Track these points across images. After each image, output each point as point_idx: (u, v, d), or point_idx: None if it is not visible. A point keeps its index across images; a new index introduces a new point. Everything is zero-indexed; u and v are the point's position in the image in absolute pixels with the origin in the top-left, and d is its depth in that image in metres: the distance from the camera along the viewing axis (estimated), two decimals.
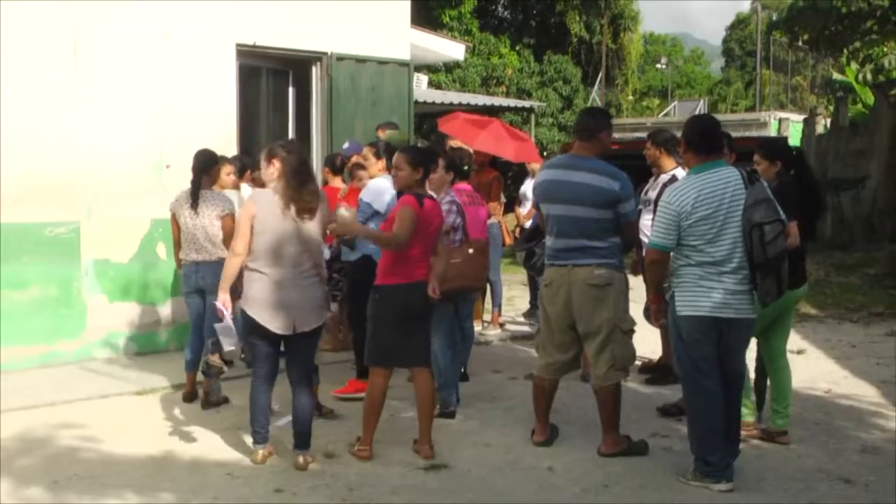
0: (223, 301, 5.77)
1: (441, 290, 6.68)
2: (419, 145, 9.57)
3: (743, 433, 5.94)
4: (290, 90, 10.94)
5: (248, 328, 5.75)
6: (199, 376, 7.18)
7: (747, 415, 6.19)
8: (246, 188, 8.27)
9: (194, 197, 7.01)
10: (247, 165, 8.41)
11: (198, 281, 7.13)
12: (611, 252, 5.90)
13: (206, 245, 7.05)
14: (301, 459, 5.70)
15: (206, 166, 7.11)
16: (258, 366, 5.89)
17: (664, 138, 7.66)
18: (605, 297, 5.87)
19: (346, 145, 9.36)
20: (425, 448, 6.00)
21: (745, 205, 5.26)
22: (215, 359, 6.33)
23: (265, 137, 10.61)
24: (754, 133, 25.20)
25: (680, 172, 7.30)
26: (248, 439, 6.12)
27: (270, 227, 5.62)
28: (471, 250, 7.09)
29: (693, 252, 5.35)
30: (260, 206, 5.65)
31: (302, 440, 5.77)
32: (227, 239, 6.90)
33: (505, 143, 11.06)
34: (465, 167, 7.70)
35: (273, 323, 5.66)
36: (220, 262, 6.94)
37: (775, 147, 6.60)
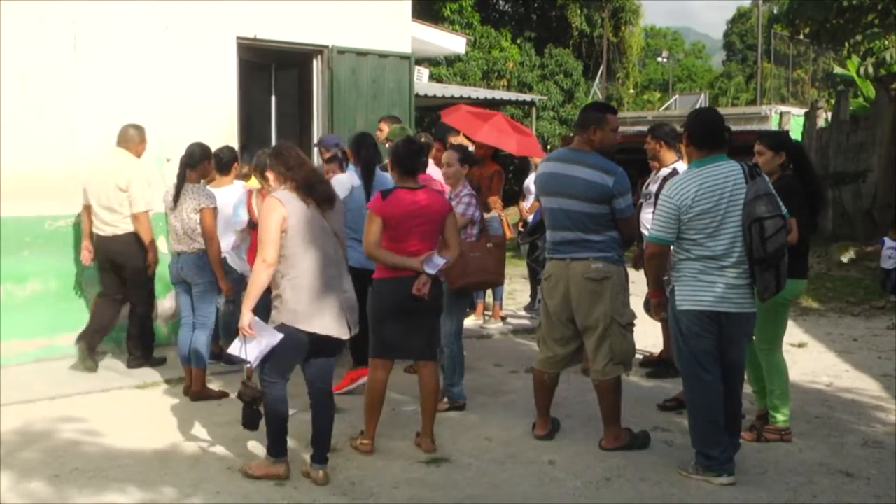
0: (249, 321, 5.21)
1: (460, 284, 6.73)
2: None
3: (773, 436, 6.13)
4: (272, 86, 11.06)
5: (294, 345, 5.26)
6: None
7: (783, 421, 6.20)
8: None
9: (176, 190, 7.12)
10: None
11: (178, 271, 7.24)
12: (608, 246, 5.88)
13: (185, 237, 7.12)
14: (321, 474, 5.42)
15: (190, 161, 7.18)
16: (281, 379, 5.36)
17: (664, 132, 7.63)
18: (602, 290, 5.85)
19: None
20: (427, 442, 6.00)
21: (745, 199, 5.24)
22: (251, 384, 5.50)
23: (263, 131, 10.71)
24: (755, 126, 25.16)
25: (681, 166, 7.29)
26: (251, 441, 6.12)
27: (305, 226, 5.22)
28: (489, 244, 7.08)
29: (693, 246, 5.34)
30: (289, 205, 5.19)
31: (322, 454, 5.49)
32: (206, 231, 7.00)
33: (508, 137, 11.05)
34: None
35: (333, 329, 5.29)
36: (197, 254, 7.08)
37: (780, 138, 6.58)
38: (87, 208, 8.11)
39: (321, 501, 5.16)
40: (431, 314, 6.04)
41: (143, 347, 8.26)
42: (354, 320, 5.45)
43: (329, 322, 5.28)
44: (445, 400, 6.90)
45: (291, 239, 5.20)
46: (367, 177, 7.33)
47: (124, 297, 8.21)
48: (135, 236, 8.00)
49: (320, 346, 5.33)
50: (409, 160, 6.02)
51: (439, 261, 5.87)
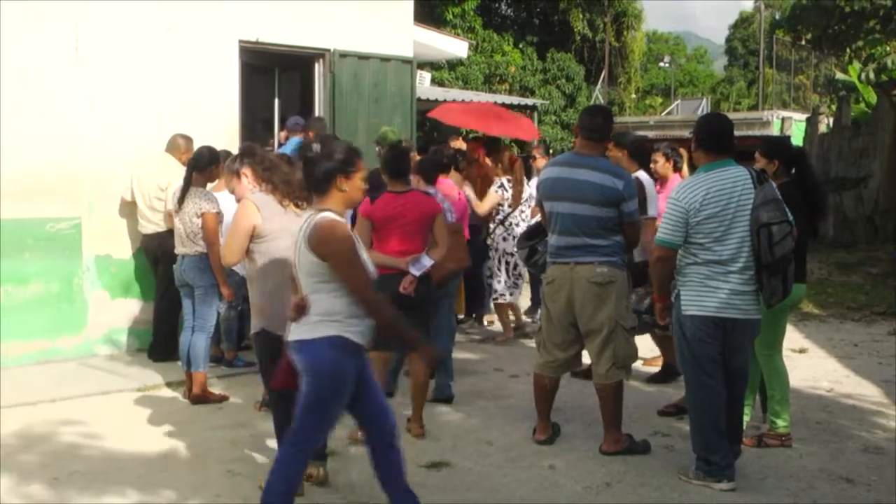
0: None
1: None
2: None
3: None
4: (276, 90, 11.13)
5: (280, 351, 5.05)
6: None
7: (783, 427, 6.19)
8: None
9: (182, 193, 7.16)
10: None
11: (181, 274, 7.26)
12: (613, 250, 5.89)
13: (187, 240, 7.16)
14: (321, 471, 5.39)
15: (197, 164, 7.23)
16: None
17: (629, 141, 7.65)
18: (607, 294, 5.86)
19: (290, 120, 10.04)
20: (416, 427, 6.35)
21: (753, 204, 5.25)
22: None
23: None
24: (757, 132, 25.16)
25: (642, 175, 7.33)
26: (249, 445, 6.11)
27: (281, 231, 5.08)
28: None
29: (700, 250, 5.33)
30: (265, 210, 5.13)
31: (320, 451, 5.36)
32: (208, 236, 7.00)
33: (513, 123, 10.84)
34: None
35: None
36: (199, 257, 7.09)
37: (774, 146, 6.58)
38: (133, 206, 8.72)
39: (320, 503, 5.17)
40: (420, 310, 6.21)
41: (165, 341, 8.38)
42: None
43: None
44: (431, 389, 7.02)
45: (268, 243, 5.13)
46: None
47: (165, 292, 8.37)
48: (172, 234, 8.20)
49: None
50: (395, 164, 6.35)
51: (426, 262, 6.18)
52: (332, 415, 4.44)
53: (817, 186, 6.46)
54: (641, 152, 7.70)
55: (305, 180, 4.53)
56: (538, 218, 8.83)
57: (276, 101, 11.75)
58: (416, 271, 6.12)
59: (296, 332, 4.40)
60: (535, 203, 10.34)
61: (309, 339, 4.34)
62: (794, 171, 6.29)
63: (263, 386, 5.57)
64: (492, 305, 10.22)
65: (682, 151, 8.29)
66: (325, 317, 4.30)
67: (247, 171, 5.36)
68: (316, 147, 4.47)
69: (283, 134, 9.97)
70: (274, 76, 11.45)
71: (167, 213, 8.22)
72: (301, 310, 4.37)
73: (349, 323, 4.33)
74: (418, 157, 9.23)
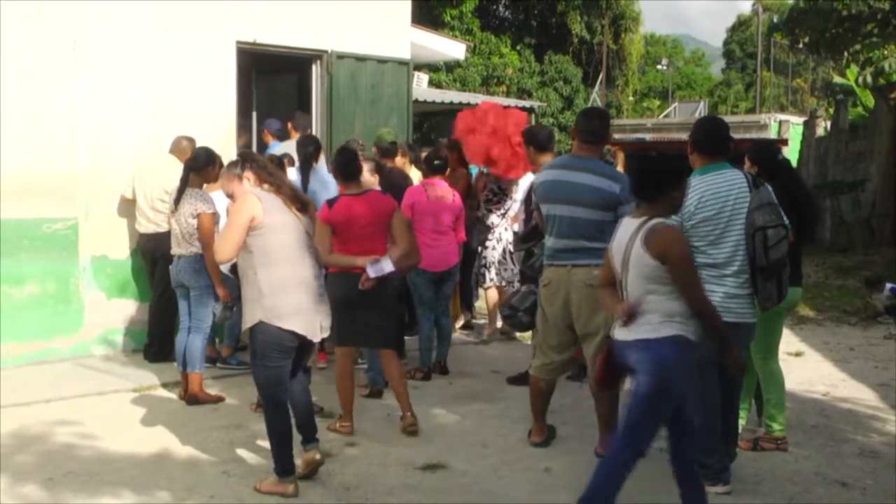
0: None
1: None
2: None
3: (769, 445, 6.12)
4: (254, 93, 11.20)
5: (277, 347, 5.19)
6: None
7: (779, 430, 6.19)
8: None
9: (178, 193, 7.17)
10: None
11: (176, 274, 7.26)
12: None
13: (183, 241, 7.16)
14: (316, 453, 5.43)
15: (194, 165, 7.24)
16: (278, 390, 5.26)
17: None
18: None
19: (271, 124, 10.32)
20: (408, 417, 6.41)
21: (749, 208, 5.25)
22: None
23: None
24: (754, 135, 25.18)
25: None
26: (245, 446, 6.11)
27: (283, 225, 5.20)
28: None
29: (695, 253, 5.32)
30: (267, 203, 5.17)
31: (312, 434, 5.47)
32: (204, 237, 6.99)
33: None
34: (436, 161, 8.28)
35: (309, 330, 5.26)
36: (194, 258, 7.12)
37: (759, 151, 6.55)
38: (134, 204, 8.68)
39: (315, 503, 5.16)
40: (379, 308, 6.37)
41: (161, 342, 8.39)
42: (328, 324, 5.47)
43: (305, 322, 5.24)
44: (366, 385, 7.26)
45: (269, 236, 5.15)
46: (304, 172, 8.17)
47: (163, 293, 8.29)
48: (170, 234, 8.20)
49: (299, 345, 5.30)
50: (346, 167, 6.48)
51: (387, 267, 6.24)
52: (667, 412, 4.51)
53: (805, 193, 6.46)
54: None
55: (637, 183, 4.65)
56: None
57: (255, 103, 11.79)
58: (372, 273, 6.17)
59: (634, 332, 4.51)
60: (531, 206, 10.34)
61: (653, 339, 4.44)
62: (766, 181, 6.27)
63: (255, 384, 5.54)
64: (486, 294, 10.15)
65: (618, 153, 8.26)
66: (667, 317, 4.43)
67: (249, 175, 5.39)
68: (652, 153, 4.61)
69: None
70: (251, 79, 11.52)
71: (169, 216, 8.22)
72: (633, 315, 4.48)
73: (689, 324, 4.47)
74: (401, 158, 9.28)
